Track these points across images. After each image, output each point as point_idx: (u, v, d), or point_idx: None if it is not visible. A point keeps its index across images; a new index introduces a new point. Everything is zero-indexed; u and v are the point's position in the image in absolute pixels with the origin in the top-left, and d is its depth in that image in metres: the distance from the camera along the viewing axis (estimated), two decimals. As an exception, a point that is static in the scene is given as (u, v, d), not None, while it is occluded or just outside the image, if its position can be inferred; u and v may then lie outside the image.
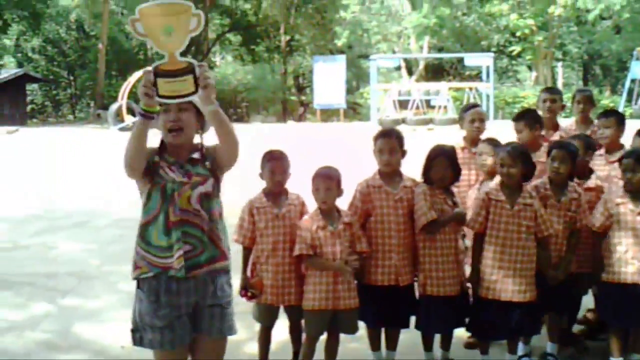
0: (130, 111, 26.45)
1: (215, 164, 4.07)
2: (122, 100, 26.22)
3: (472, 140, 6.38)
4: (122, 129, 25.10)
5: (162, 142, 4.06)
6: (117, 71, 41.68)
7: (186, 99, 3.79)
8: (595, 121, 6.70)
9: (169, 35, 3.67)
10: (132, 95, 27.37)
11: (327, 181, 5.14)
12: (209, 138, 4.08)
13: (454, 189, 5.61)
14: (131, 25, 3.74)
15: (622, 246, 5.43)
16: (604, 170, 6.18)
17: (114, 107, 26.50)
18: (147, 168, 3.93)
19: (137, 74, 27.28)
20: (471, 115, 6.50)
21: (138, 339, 4.04)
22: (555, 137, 6.47)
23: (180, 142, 4.01)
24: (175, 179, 3.98)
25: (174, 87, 3.70)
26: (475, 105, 6.92)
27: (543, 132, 6.52)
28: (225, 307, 4.13)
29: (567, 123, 7.48)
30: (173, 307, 3.98)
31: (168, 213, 3.94)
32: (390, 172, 5.43)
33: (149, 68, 3.75)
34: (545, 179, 5.62)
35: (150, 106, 3.77)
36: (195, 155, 4.07)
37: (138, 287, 4.02)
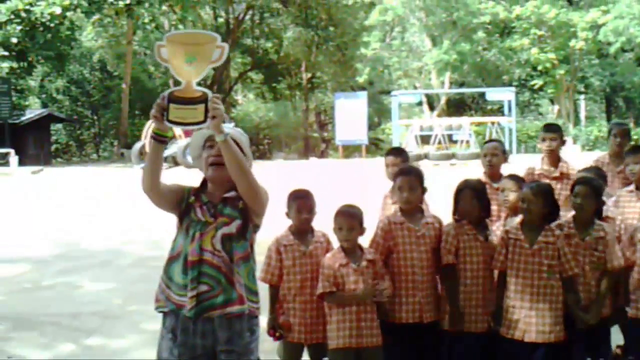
0: (154, 150, 26.64)
1: (247, 205, 4.08)
2: (145, 139, 26.38)
3: (491, 176, 6.40)
4: (144, 168, 25.25)
5: (204, 180, 4.14)
6: (140, 110, 42.05)
7: (194, 127, 3.86)
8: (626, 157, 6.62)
9: (190, 64, 3.77)
10: (155, 135, 27.64)
11: (350, 219, 5.13)
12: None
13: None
14: (157, 49, 3.85)
15: (645, 281, 5.37)
16: (636, 207, 6.09)
17: (137, 146, 26.67)
18: (184, 209, 4.04)
19: (160, 113, 27.52)
20: (484, 150, 6.58)
21: None
22: (556, 173, 6.51)
23: (220, 177, 4.03)
24: (201, 219, 4.02)
25: (184, 114, 3.77)
26: (492, 140, 6.94)
27: (545, 169, 6.54)
28: (241, 354, 4.04)
29: (601, 155, 7.46)
30: (187, 347, 3.98)
31: (188, 252, 3.98)
32: (411, 209, 5.42)
33: (164, 93, 3.83)
34: (570, 217, 5.55)
35: (161, 130, 3.84)
36: (229, 194, 4.07)
37: (163, 322, 4.08)
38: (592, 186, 5.38)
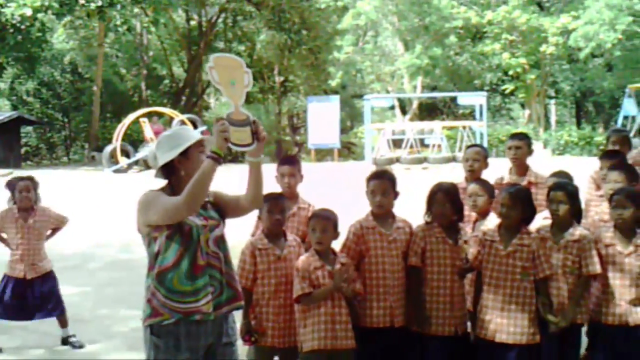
0: (125, 153, 26.48)
1: (222, 211, 4.20)
2: (117, 142, 26.24)
3: (469, 179, 6.38)
4: (116, 171, 25.09)
5: (170, 186, 4.09)
6: (111, 113, 41.76)
7: (245, 149, 3.98)
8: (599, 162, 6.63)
9: (233, 87, 3.93)
10: (127, 137, 27.45)
11: (324, 222, 5.14)
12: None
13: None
14: (210, 72, 3.95)
15: (610, 287, 5.42)
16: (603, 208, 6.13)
17: (108, 149, 26.49)
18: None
19: (132, 116, 27.38)
20: (467, 154, 6.55)
21: None
22: (524, 182, 6.41)
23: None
24: (197, 222, 4.03)
25: (241, 135, 3.92)
26: (475, 145, 6.90)
27: (514, 178, 6.53)
28: (234, 345, 4.23)
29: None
30: (192, 351, 4.01)
31: (196, 257, 3.99)
32: (383, 214, 5.44)
33: (224, 116, 3.92)
34: (549, 222, 5.59)
35: (222, 149, 3.88)
36: (207, 198, 4.15)
37: (152, 333, 3.98)
38: (567, 191, 5.43)
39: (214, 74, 3.94)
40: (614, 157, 6.49)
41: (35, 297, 7.36)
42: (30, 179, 7.52)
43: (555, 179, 5.98)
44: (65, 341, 7.42)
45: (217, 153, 3.84)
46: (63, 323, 7.49)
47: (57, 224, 7.71)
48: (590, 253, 5.33)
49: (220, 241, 4.12)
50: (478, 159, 6.42)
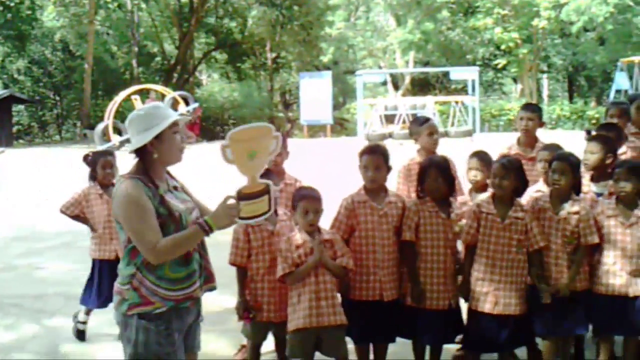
0: (117, 130, 26.36)
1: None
2: (109, 120, 26.12)
3: (428, 153, 6.32)
4: (108, 148, 25.00)
5: (144, 168, 3.97)
6: (103, 91, 41.57)
7: (261, 219, 3.97)
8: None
9: (252, 159, 3.84)
10: (118, 115, 27.33)
11: (317, 204, 5.15)
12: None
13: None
14: (222, 151, 3.85)
15: (611, 258, 5.46)
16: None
17: (100, 126, 26.36)
18: (159, 210, 3.90)
19: (123, 94, 27.25)
20: (429, 128, 6.49)
21: None
22: (533, 153, 6.45)
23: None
24: (181, 207, 4.00)
25: (253, 208, 3.88)
26: (428, 119, 6.87)
27: (522, 149, 6.54)
28: (200, 323, 4.27)
29: None
30: (180, 331, 4.02)
31: None
32: (375, 188, 5.45)
33: (233, 194, 3.85)
34: (547, 192, 5.61)
35: (219, 227, 3.85)
36: (175, 183, 4.15)
37: (141, 319, 3.91)
38: (569, 162, 5.43)
39: (227, 153, 3.83)
40: (611, 130, 6.51)
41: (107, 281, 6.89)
42: (111, 153, 7.14)
43: (546, 153, 5.97)
44: None
45: (210, 227, 3.82)
46: None
47: None
48: (589, 223, 5.36)
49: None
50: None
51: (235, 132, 3.88)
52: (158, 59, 45.50)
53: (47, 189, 16.53)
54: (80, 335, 6.92)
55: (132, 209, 3.81)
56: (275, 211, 5.37)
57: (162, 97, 27.28)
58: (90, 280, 6.89)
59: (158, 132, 3.89)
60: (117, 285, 4.02)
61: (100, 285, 6.78)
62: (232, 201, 3.81)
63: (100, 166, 6.86)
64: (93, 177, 6.95)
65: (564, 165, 5.40)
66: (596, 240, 5.38)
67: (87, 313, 6.92)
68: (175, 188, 4.09)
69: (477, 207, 5.36)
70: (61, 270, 9.66)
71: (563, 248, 5.39)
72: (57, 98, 44.43)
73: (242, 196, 3.83)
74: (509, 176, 5.30)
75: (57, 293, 8.41)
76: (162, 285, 3.90)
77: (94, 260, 6.92)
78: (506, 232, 5.27)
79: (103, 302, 6.73)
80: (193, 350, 4.22)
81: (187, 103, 26.88)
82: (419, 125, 6.54)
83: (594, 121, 29.09)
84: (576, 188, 5.50)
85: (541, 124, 6.71)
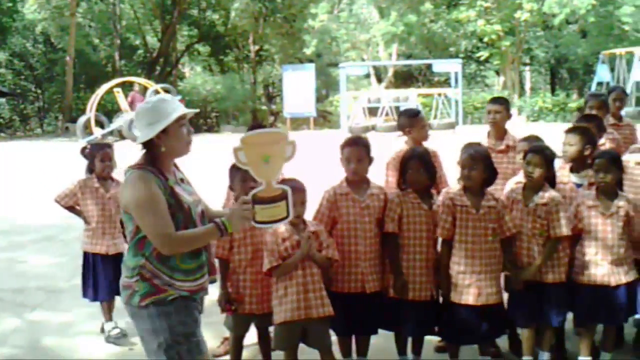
0: (99, 123, 26.27)
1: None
2: (91, 113, 26.03)
3: (419, 145, 6.32)
4: (90, 142, 24.88)
5: (152, 160, 3.96)
6: (85, 84, 41.31)
7: (278, 224, 4.00)
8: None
9: (266, 164, 3.80)
10: (100, 108, 27.22)
11: (302, 195, 5.14)
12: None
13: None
14: (235, 154, 3.84)
15: (592, 248, 5.50)
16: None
17: (82, 119, 26.27)
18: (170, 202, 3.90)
19: (105, 87, 27.13)
20: (422, 120, 6.53)
21: (174, 355, 3.91)
22: (502, 146, 6.54)
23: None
24: (189, 199, 4.01)
25: (271, 212, 3.84)
26: (419, 112, 6.90)
27: (492, 142, 6.58)
28: None
29: None
30: (199, 311, 4.08)
31: None
32: (357, 180, 5.46)
33: (247, 197, 3.85)
34: (521, 185, 5.65)
35: (234, 229, 3.89)
36: (182, 175, 4.15)
37: (157, 305, 3.88)
38: (544, 155, 5.48)
39: (240, 155, 3.83)
40: (591, 121, 6.55)
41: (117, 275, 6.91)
42: (110, 146, 6.95)
43: (525, 144, 6.01)
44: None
45: (226, 228, 3.85)
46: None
47: None
48: (557, 216, 5.40)
49: (203, 216, 4.10)
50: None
51: (247, 135, 3.88)
52: (140, 51, 45.29)
53: (28, 183, 16.44)
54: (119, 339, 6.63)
55: (145, 199, 3.81)
56: None
57: (145, 89, 27.20)
58: (86, 273, 6.81)
59: (165, 126, 3.88)
60: (124, 279, 3.99)
61: (96, 277, 6.71)
62: (247, 207, 3.82)
63: (98, 159, 6.73)
64: (90, 169, 6.84)
65: (538, 158, 5.46)
66: (565, 232, 5.41)
67: (109, 319, 6.69)
68: (182, 180, 4.10)
69: (451, 201, 5.39)
70: (43, 264, 9.61)
71: (534, 240, 5.45)
72: (39, 91, 44.11)
73: (256, 199, 3.82)
74: (477, 167, 5.35)
75: (39, 287, 8.36)
76: (176, 276, 3.91)
77: (86, 254, 6.84)
78: (481, 222, 5.32)
79: (108, 293, 6.66)
80: None
81: (169, 96, 26.77)
82: (411, 117, 6.56)
83: (575, 113, 29.20)
84: (550, 180, 5.54)
85: (509, 117, 6.77)
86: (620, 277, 5.48)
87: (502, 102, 6.85)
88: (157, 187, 3.85)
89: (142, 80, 29.13)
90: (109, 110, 29.97)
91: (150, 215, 3.79)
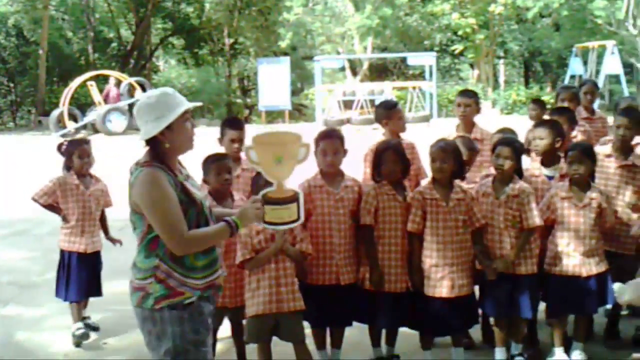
0: (72, 117, 26.07)
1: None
2: (64, 107, 25.81)
3: (396, 137, 6.39)
4: (63, 136, 24.70)
5: (158, 157, 3.85)
6: (58, 77, 40.91)
7: (288, 226, 3.93)
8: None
9: (278, 164, 3.77)
10: (74, 101, 27.01)
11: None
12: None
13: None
14: (246, 152, 3.82)
15: (565, 239, 5.55)
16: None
17: (55, 113, 26.06)
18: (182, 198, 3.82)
19: (79, 80, 26.92)
20: (399, 112, 6.58)
21: None
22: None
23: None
24: (200, 195, 3.96)
25: (280, 214, 3.81)
26: (396, 103, 6.93)
27: (460, 135, 6.60)
28: None
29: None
30: (211, 315, 4.00)
31: None
32: (332, 172, 5.47)
33: (258, 197, 3.83)
34: (490, 177, 5.70)
35: (244, 226, 3.88)
36: (187, 171, 4.05)
37: (172, 309, 3.79)
38: (513, 147, 5.53)
39: (251, 154, 3.81)
40: (562, 113, 6.60)
41: (93, 275, 6.73)
42: (87, 142, 6.75)
43: (500, 136, 6.05)
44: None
45: (237, 226, 3.82)
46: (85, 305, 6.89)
47: (105, 203, 6.89)
48: (529, 207, 5.45)
49: (211, 211, 4.04)
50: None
51: (259, 135, 3.85)
52: (114, 44, 44.95)
53: (1, 177, 16.29)
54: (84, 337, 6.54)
55: (157, 198, 3.72)
56: (232, 196, 5.36)
57: (119, 83, 27.03)
58: (60, 272, 6.68)
59: (170, 122, 3.78)
60: (135, 281, 3.87)
61: (69, 277, 6.59)
62: (259, 205, 3.80)
63: (76, 155, 6.58)
64: (68, 166, 6.68)
65: (508, 150, 5.49)
66: (537, 222, 5.46)
67: (77, 319, 6.58)
68: (188, 176, 4.02)
69: (420, 195, 5.42)
70: (14, 258, 9.54)
71: (506, 232, 5.48)
72: (11, 84, 43.65)
73: (267, 200, 3.80)
74: (448, 159, 5.37)
75: (11, 282, 8.32)
76: (191, 275, 3.83)
77: (62, 252, 6.72)
78: (452, 214, 5.37)
79: (79, 294, 6.56)
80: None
81: (143, 89, 26.66)
82: (388, 109, 6.58)
83: (549, 106, 29.36)
84: (518, 172, 5.59)
85: (478, 110, 6.79)
86: (591, 267, 5.55)
87: (472, 95, 6.87)
88: (169, 184, 3.76)
89: (116, 74, 28.94)
90: (82, 103, 29.72)
91: (164, 214, 3.70)
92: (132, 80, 27.42)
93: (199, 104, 4.04)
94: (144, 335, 3.91)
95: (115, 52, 44.66)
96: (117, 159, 16.94)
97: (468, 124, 6.73)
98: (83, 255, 6.62)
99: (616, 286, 5.28)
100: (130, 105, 26.22)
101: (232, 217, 3.85)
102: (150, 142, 3.85)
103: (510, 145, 5.54)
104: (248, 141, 3.84)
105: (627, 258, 5.97)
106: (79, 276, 6.59)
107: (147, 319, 3.84)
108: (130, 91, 26.62)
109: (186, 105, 3.86)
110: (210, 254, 3.91)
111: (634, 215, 5.91)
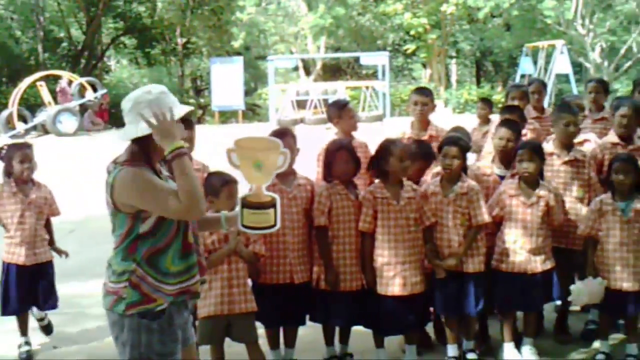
0: (22, 118, 25.67)
1: None
2: (13, 107, 25.40)
3: (348, 136, 6.45)
4: (13, 137, 24.33)
5: (144, 155, 3.76)
6: (7, 77, 40.23)
7: (265, 232, 3.93)
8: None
9: (258, 170, 3.78)
10: (23, 102, 26.59)
11: (234, 188, 5.10)
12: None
13: None
14: (227, 154, 3.78)
15: (512, 237, 5.63)
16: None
17: (4, 114, 25.60)
18: None
19: (28, 80, 26.54)
20: (350, 111, 6.59)
21: None
22: (426, 136, 6.60)
23: None
24: None
25: (257, 218, 3.81)
26: (347, 102, 6.95)
27: (416, 133, 6.66)
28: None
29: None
30: (181, 327, 3.89)
31: (187, 235, 3.82)
32: (285, 172, 5.46)
33: (238, 199, 3.85)
34: (437, 177, 5.75)
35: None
36: (166, 172, 3.93)
37: (143, 317, 3.71)
38: (459, 146, 5.58)
39: (232, 157, 3.80)
40: (513, 112, 6.69)
41: (34, 288, 6.37)
42: (29, 146, 6.33)
43: (452, 134, 6.11)
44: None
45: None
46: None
47: (50, 211, 6.52)
48: (478, 204, 5.52)
49: None
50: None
51: (241, 138, 3.84)
52: (65, 44, 44.34)
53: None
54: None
55: (147, 184, 3.62)
56: None
57: (70, 83, 26.70)
58: (3, 285, 6.33)
59: (178, 118, 3.71)
60: (109, 284, 3.78)
61: (7, 289, 6.29)
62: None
63: (17, 160, 6.18)
64: (8, 172, 6.29)
65: (455, 149, 5.54)
66: (486, 219, 5.54)
67: (22, 333, 6.39)
68: (168, 177, 3.91)
69: (371, 194, 5.46)
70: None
71: (455, 230, 5.54)
72: (-41, 85, 42.91)
73: (245, 203, 3.80)
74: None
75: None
76: (166, 280, 3.74)
77: (4, 264, 6.41)
78: (403, 213, 5.43)
79: (16, 308, 6.32)
80: (189, 342, 4.06)
81: (94, 89, 26.41)
82: (339, 108, 6.59)
83: (500, 105, 29.69)
84: (465, 170, 5.66)
85: (434, 107, 6.85)
86: (537, 265, 5.64)
87: (428, 93, 6.91)
88: (153, 176, 3.68)
89: (67, 74, 28.56)
90: (32, 104, 29.28)
91: (157, 195, 3.60)
92: (83, 80, 27.11)
93: (191, 108, 3.99)
94: (113, 338, 3.86)
95: (66, 52, 44.06)
96: (68, 160, 16.78)
97: (423, 122, 6.76)
98: (22, 267, 6.28)
99: (573, 288, 5.39)
100: (82, 106, 25.94)
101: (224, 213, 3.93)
102: (138, 139, 3.72)
103: (456, 144, 5.60)
104: (230, 144, 3.84)
105: (576, 254, 6.07)
106: (18, 290, 6.26)
107: (116, 323, 3.78)
108: (81, 91, 26.30)
109: (186, 107, 3.84)
110: (187, 259, 3.82)
111: (583, 211, 6.01)
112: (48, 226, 6.56)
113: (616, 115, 6.35)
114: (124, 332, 3.74)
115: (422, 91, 6.98)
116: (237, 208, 3.85)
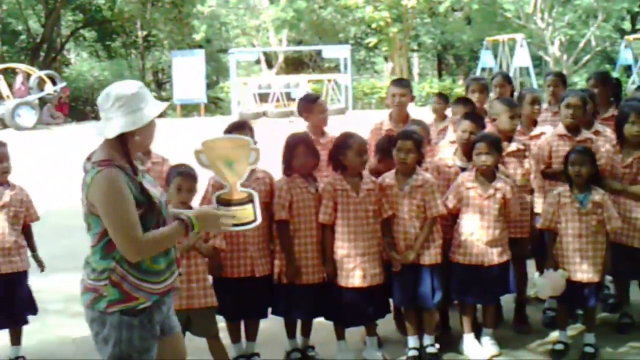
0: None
1: None
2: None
3: (319, 130, 6.46)
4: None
5: (123, 152, 3.72)
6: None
7: (247, 227, 3.93)
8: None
9: (230, 168, 3.82)
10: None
11: (192, 182, 5.09)
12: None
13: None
14: (196, 156, 3.81)
15: (469, 229, 5.69)
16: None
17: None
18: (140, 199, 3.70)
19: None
20: (321, 106, 6.58)
21: None
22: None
23: None
24: (157, 194, 3.83)
25: (237, 215, 3.84)
26: (318, 97, 6.96)
27: (394, 124, 6.68)
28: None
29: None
30: (160, 323, 3.89)
31: None
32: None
33: (213, 199, 3.89)
34: (392, 170, 5.78)
35: (200, 230, 3.86)
36: (143, 167, 3.98)
37: (124, 314, 3.69)
38: (413, 139, 5.61)
39: (201, 158, 3.83)
40: (466, 104, 6.75)
41: (10, 299, 5.77)
42: (3, 144, 5.77)
43: (417, 128, 6.13)
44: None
45: (194, 227, 3.76)
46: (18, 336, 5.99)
47: (27, 216, 5.96)
48: (433, 196, 5.57)
49: (167, 206, 3.96)
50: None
51: (209, 139, 3.87)
52: (23, 37, 43.77)
53: None
54: None
55: (115, 202, 3.57)
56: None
57: (28, 76, 26.39)
58: None
59: (159, 113, 3.75)
60: (88, 281, 3.74)
61: None
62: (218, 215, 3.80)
63: None
64: None
65: (410, 143, 5.57)
66: (442, 211, 5.60)
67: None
68: (144, 172, 3.91)
69: (331, 186, 5.49)
70: None
71: (411, 223, 5.58)
72: None
73: (221, 201, 3.84)
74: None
75: None
76: (148, 279, 3.73)
77: None
78: (362, 204, 5.46)
79: None
80: (174, 331, 4.07)
81: (54, 83, 26.12)
82: (309, 102, 6.58)
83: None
84: (420, 163, 5.70)
85: (412, 98, 6.88)
86: (493, 257, 5.69)
87: (407, 85, 6.93)
88: (127, 186, 3.62)
89: (25, 67, 28.22)
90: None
91: (120, 219, 3.56)
92: (42, 73, 26.81)
93: (167, 103, 4.00)
94: (92, 335, 3.83)
95: (24, 45, 43.50)
96: (27, 154, 16.58)
97: (402, 113, 6.76)
98: None
99: (537, 282, 5.46)
100: (40, 99, 25.64)
101: (188, 214, 3.80)
102: (118, 135, 3.67)
103: (411, 137, 5.63)
104: (196, 143, 3.86)
105: (523, 241, 6.17)
106: None
107: (96, 320, 3.76)
108: (40, 85, 26.02)
109: (162, 105, 3.83)
110: (167, 256, 3.82)
111: (527, 198, 6.09)
112: (28, 233, 6.06)
113: (561, 106, 6.40)
114: (105, 330, 3.72)
115: (400, 82, 7.01)
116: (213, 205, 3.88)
